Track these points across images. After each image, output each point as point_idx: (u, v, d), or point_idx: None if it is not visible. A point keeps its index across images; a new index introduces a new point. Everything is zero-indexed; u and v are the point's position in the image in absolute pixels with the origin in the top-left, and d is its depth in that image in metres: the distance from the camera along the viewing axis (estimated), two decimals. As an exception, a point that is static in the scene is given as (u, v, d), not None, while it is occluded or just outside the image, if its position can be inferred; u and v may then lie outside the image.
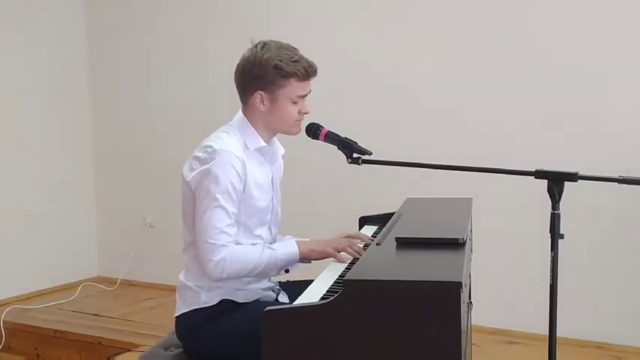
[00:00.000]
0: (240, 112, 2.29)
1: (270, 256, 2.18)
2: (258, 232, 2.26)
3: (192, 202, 2.17)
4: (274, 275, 2.27)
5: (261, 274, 2.21)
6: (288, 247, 2.22)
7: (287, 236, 2.43)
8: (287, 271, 2.26)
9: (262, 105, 2.21)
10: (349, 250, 2.22)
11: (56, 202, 4.74)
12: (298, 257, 2.23)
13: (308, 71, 2.20)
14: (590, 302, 3.46)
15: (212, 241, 2.10)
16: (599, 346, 3.45)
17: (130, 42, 4.80)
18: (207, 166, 2.12)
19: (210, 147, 2.14)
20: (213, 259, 2.09)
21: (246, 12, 4.29)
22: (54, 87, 4.75)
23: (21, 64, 4.54)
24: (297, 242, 2.25)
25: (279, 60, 2.16)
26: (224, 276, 2.12)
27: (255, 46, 2.22)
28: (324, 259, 2.26)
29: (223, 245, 2.11)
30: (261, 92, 2.20)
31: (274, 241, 2.35)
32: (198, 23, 4.50)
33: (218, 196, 2.10)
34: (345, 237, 2.32)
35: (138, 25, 4.77)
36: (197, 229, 2.13)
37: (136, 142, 4.82)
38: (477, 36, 3.67)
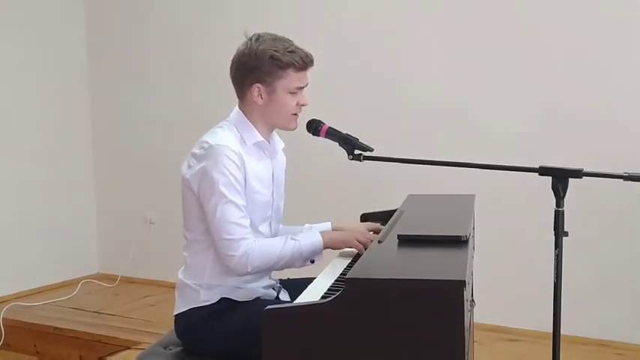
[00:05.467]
0: (236, 108, 2.27)
1: (293, 247, 2.16)
2: (260, 228, 2.24)
3: (193, 200, 2.16)
4: (299, 267, 2.23)
5: (286, 265, 2.19)
6: (311, 238, 2.21)
7: (306, 224, 2.44)
8: (312, 261, 2.24)
9: (260, 98, 2.19)
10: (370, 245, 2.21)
11: (56, 199, 4.73)
12: (322, 247, 2.21)
13: (305, 61, 2.18)
14: (594, 300, 3.44)
15: (229, 236, 2.08)
16: (602, 344, 3.43)
17: (130, 40, 4.78)
18: (204, 163, 2.10)
19: (207, 143, 2.13)
20: (236, 254, 2.08)
21: (245, 9, 4.27)
22: (54, 85, 4.73)
23: (21, 63, 4.52)
24: (320, 232, 2.24)
25: (275, 51, 2.14)
26: (249, 270, 2.10)
27: (250, 39, 2.19)
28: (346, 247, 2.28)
29: (242, 238, 2.09)
30: (259, 85, 2.17)
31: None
32: (198, 21, 4.48)
33: (224, 191, 2.08)
34: (371, 229, 2.35)
35: (137, 24, 4.75)
36: (211, 228, 2.11)
37: (136, 139, 4.81)
38: (478, 31, 3.65)
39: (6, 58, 4.43)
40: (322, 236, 2.22)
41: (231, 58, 2.23)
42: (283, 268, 2.22)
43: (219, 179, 2.07)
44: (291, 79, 2.17)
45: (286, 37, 2.23)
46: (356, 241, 2.24)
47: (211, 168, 2.08)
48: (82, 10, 4.90)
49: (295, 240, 2.17)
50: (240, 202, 2.11)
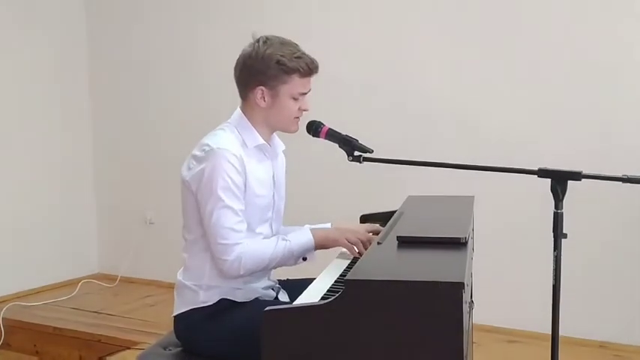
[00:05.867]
0: (238, 110, 2.27)
1: (284, 248, 2.17)
2: (259, 229, 2.25)
3: (192, 201, 2.16)
4: (292, 265, 2.24)
5: (278, 265, 2.21)
6: (302, 237, 2.22)
7: (306, 225, 2.43)
8: (305, 259, 2.25)
9: (263, 101, 2.19)
10: (361, 246, 2.22)
11: (56, 199, 4.73)
12: (314, 246, 2.22)
13: (310, 67, 2.19)
14: (592, 301, 3.45)
15: (224, 241, 2.09)
16: (601, 345, 3.44)
17: (130, 40, 4.79)
18: (204, 165, 2.10)
19: (207, 145, 2.13)
20: (228, 258, 2.09)
21: (246, 10, 4.27)
22: (54, 83, 4.73)
23: (21, 61, 4.53)
24: (311, 230, 2.25)
25: (282, 55, 2.15)
26: (241, 273, 2.12)
27: (257, 41, 2.20)
28: (337, 246, 2.28)
29: (236, 243, 2.09)
30: (263, 88, 2.18)
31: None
32: (199, 21, 4.49)
33: (221, 195, 2.08)
34: (370, 230, 2.34)
35: (138, 24, 4.75)
36: (207, 231, 2.12)
37: (135, 139, 4.81)
38: (478, 34, 3.65)
39: (6, 58, 4.43)
40: (313, 235, 2.22)
41: (237, 59, 2.24)
42: (276, 267, 2.24)
43: (218, 183, 2.08)
44: (295, 84, 2.18)
45: (292, 40, 2.23)
46: (345, 241, 2.24)
47: (211, 171, 2.08)
48: (82, 9, 4.91)
49: (286, 241, 2.18)
50: (238, 206, 2.11)
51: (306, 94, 2.23)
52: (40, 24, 4.62)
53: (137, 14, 4.75)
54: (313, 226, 2.46)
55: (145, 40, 4.72)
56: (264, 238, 2.26)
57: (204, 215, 2.12)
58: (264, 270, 2.23)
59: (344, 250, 2.30)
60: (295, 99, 2.20)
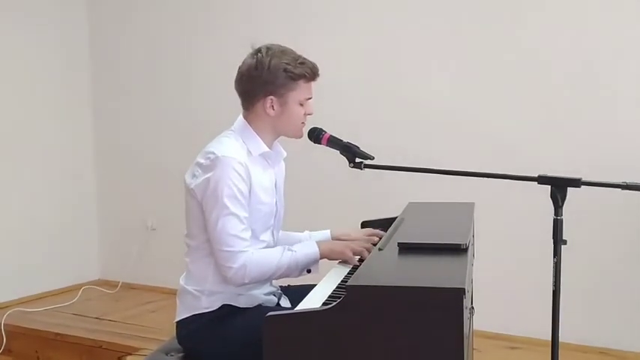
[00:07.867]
0: (240, 117, 2.29)
1: (290, 258, 2.18)
2: (262, 237, 2.26)
3: (197, 208, 2.17)
4: (296, 277, 2.26)
5: (283, 276, 2.21)
6: (308, 248, 2.23)
7: (305, 231, 2.45)
8: (309, 271, 2.26)
9: (272, 110, 2.21)
10: (366, 254, 2.23)
11: (57, 205, 4.74)
12: (319, 257, 2.23)
13: (314, 72, 2.23)
14: (592, 308, 3.45)
15: (229, 248, 2.10)
16: (601, 352, 3.44)
17: (132, 43, 4.80)
18: (210, 174, 2.11)
19: (213, 153, 2.14)
20: (233, 266, 2.09)
21: (246, 16, 4.29)
22: (55, 88, 4.74)
23: (21, 64, 4.53)
24: (317, 242, 2.26)
25: (287, 63, 2.18)
26: (246, 281, 2.13)
27: (259, 52, 2.22)
28: (342, 259, 2.29)
29: (241, 251, 2.10)
30: (272, 97, 2.20)
31: (276, 245, 2.35)
32: (202, 25, 4.50)
33: (227, 203, 2.09)
34: (370, 235, 2.36)
35: (140, 27, 4.76)
36: (212, 239, 2.13)
37: (137, 145, 4.82)
38: (477, 39, 3.66)
39: (7, 60, 4.43)
40: (319, 247, 2.24)
41: (239, 70, 2.25)
42: (280, 278, 2.25)
43: (224, 191, 2.09)
44: (301, 90, 2.21)
45: (289, 47, 2.26)
46: (350, 253, 2.25)
47: (216, 179, 2.10)
48: (84, 11, 4.91)
49: (292, 251, 2.19)
50: (243, 214, 2.12)
51: (310, 99, 2.26)
52: (41, 26, 4.62)
53: (140, 18, 4.76)
54: (312, 233, 2.48)
55: (147, 45, 4.73)
56: (266, 245, 2.27)
57: (208, 223, 2.13)
58: (268, 279, 2.24)
59: None
60: (301, 105, 2.23)
